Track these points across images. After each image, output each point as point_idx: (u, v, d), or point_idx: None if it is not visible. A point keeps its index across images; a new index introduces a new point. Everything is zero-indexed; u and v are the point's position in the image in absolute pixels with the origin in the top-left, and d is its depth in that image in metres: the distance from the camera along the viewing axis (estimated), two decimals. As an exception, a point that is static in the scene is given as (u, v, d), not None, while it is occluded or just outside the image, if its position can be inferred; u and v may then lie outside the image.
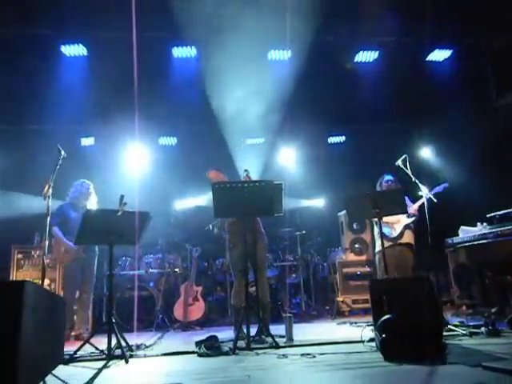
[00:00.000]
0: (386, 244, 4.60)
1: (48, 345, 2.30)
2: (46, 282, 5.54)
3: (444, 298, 6.47)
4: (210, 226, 5.83)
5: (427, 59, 7.26)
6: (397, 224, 5.12)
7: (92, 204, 5.24)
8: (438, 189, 4.92)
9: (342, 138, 8.54)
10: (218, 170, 4.92)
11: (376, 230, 5.05)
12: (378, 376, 2.57)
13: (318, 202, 8.12)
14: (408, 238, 5.10)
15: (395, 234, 5.08)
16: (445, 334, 3.65)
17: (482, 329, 3.76)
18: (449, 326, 3.99)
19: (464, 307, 5.89)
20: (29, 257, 6.08)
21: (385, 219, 4.62)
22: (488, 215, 5.76)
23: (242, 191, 4.02)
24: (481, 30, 6.69)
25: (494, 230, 5.46)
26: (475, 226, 5.82)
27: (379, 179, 5.33)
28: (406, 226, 5.10)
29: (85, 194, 5.23)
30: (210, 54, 6.48)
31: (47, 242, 4.27)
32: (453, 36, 6.92)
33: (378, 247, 5.05)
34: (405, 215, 5.02)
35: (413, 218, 5.06)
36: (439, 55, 7.26)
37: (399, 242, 5.07)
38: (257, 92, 6.89)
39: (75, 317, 5.05)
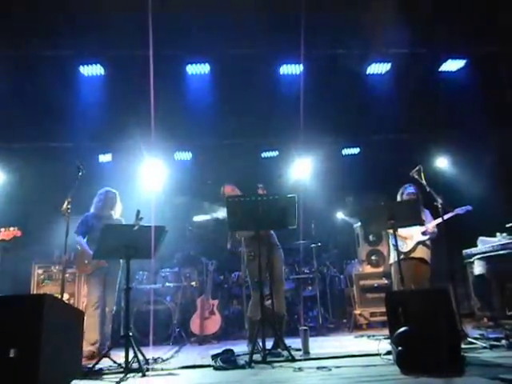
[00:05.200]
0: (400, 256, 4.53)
1: (66, 357, 2.35)
2: (66, 296, 5.63)
3: (464, 311, 6.34)
4: (228, 245, 5.71)
5: (440, 69, 7.23)
6: (409, 240, 4.99)
7: (117, 213, 5.06)
8: (460, 210, 4.80)
9: (356, 150, 8.52)
10: (233, 186, 4.94)
11: (390, 241, 4.99)
12: (395, 389, 2.54)
13: (334, 214, 8.08)
14: (421, 252, 4.95)
15: (406, 249, 4.94)
16: (464, 346, 3.59)
17: (503, 341, 3.69)
18: (468, 339, 3.92)
19: (485, 319, 5.76)
20: (49, 272, 6.20)
21: (398, 232, 4.52)
22: (508, 225, 5.68)
23: (255, 205, 4.06)
24: (496, 38, 6.64)
25: (513, 241, 5.37)
26: (494, 236, 5.75)
27: (400, 189, 5.17)
28: (420, 243, 4.96)
29: (108, 204, 5.02)
30: (223, 69, 6.62)
31: (67, 257, 4.39)
32: (466, 45, 6.88)
33: (392, 259, 5.00)
34: (419, 232, 4.92)
35: (427, 236, 4.93)
36: (453, 65, 7.20)
37: (411, 256, 4.94)
38: (270, 106, 6.99)
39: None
